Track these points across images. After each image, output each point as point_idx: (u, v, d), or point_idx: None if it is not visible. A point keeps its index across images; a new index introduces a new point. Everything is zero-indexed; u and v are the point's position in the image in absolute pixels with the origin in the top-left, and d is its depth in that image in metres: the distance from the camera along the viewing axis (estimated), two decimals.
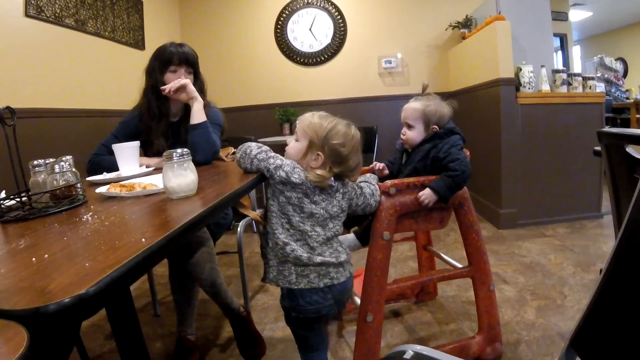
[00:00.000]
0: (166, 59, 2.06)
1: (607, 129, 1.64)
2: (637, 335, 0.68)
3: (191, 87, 2.04)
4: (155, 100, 2.07)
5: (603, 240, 3.40)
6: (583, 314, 0.80)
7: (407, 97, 2.03)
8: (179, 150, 1.22)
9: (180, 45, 2.10)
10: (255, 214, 2.48)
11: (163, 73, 2.07)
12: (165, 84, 2.02)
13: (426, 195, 1.74)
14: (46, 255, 0.75)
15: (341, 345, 2.13)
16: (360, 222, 1.87)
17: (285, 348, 2.12)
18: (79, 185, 1.28)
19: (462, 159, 1.75)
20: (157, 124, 2.10)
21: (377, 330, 1.76)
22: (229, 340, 2.22)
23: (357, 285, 1.84)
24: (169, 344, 2.23)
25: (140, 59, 3.87)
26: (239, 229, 2.39)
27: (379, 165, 2.03)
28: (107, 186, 1.37)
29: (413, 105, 1.92)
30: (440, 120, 1.87)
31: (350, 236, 1.85)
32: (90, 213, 1.10)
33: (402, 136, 1.95)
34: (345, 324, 2.32)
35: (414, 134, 1.89)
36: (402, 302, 2.53)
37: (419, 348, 0.97)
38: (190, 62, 2.12)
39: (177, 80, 2.01)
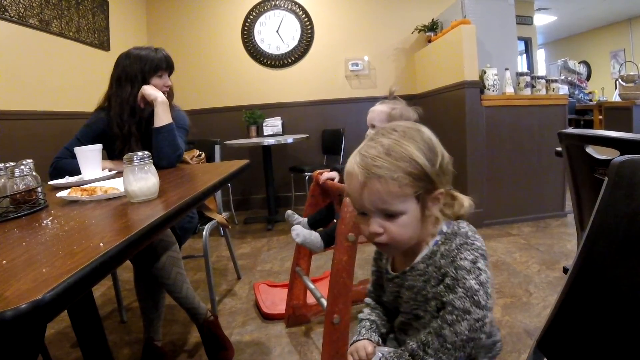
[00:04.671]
0: (156, 65, 2.06)
1: (568, 130, 1.68)
2: (602, 338, 0.70)
3: (148, 91, 2.04)
4: (138, 108, 2.06)
5: (567, 238, 3.49)
6: (549, 316, 0.81)
7: (373, 100, 2.06)
8: (139, 154, 1.21)
9: (160, 50, 2.11)
10: (221, 217, 2.48)
11: (149, 78, 2.06)
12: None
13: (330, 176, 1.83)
14: (4, 262, 0.75)
15: (309, 347, 2.14)
16: (326, 223, 1.89)
17: (254, 352, 2.12)
18: (39, 189, 1.26)
19: None
20: (139, 129, 2.08)
21: (345, 331, 1.77)
22: (197, 345, 2.20)
23: (324, 287, 1.85)
24: (136, 350, 2.20)
25: (105, 60, 3.83)
26: (204, 233, 2.38)
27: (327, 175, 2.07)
28: (68, 190, 1.35)
29: (380, 108, 1.95)
30: None
31: (315, 237, 1.86)
32: (51, 218, 1.09)
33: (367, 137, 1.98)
34: (313, 326, 2.33)
35: None
36: None
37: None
38: (172, 67, 2.15)
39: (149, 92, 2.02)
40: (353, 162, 0.91)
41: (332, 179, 2.05)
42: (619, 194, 0.71)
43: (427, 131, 0.96)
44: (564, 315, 0.78)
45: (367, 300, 1.13)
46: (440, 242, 0.92)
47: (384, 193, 0.86)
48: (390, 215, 0.89)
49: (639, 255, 0.64)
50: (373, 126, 1.95)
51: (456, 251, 0.89)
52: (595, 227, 0.74)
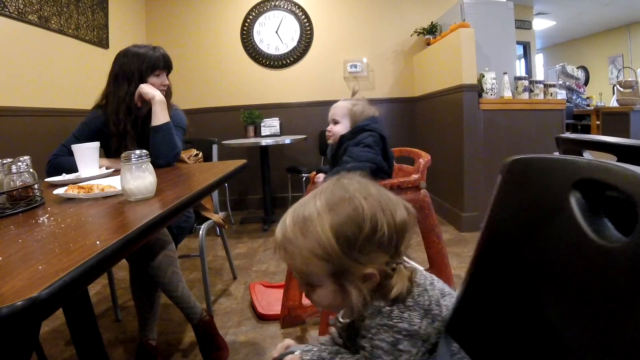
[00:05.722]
0: (153, 64, 2.06)
1: (565, 134, 1.68)
2: (499, 319, 0.75)
3: (145, 90, 2.03)
4: (135, 106, 2.05)
5: None
6: (455, 302, 0.85)
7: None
8: (137, 152, 1.21)
9: (158, 48, 2.11)
10: (218, 216, 2.48)
11: (147, 77, 2.05)
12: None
13: (320, 181, 1.86)
14: (0, 258, 0.75)
15: None
16: None
17: (249, 352, 2.12)
18: (36, 186, 1.26)
19: (354, 153, 1.86)
20: (135, 127, 2.08)
21: None
22: (192, 345, 2.20)
23: None
24: (130, 349, 2.19)
25: (103, 58, 3.81)
26: (201, 232, 2.37)
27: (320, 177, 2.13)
28: (65, 187, 1.35)
29: (342, 104, 2.04)
30: (365, 119, 1.99)
31: None
32: (47, 215, 1.09)
33: (327, 133, 2.09)
34: (308, 327, 2.33)
35: (339, 128, 2.02)
36: None
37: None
38: (170, 66, 2.15)
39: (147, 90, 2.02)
40: (282, 221, 0.86)
41: None
42: (510, 190, 0.78)
43: (367, 202, 0.83)
44: (468, 300, 0.82)
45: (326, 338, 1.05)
46: (368, 315, 0.85)
47: (295, 267, 0.84)
48: (308, 284, 0.86)
49: (527, 245, 0.70)
50: (335, 122, 2.04)
51: (375, 330, 0.83)
52: (490, 220, 0.79)
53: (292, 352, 0.97)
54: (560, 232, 0.63)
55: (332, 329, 1.03)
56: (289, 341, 1.02)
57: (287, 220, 0.84)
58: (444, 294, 0.87)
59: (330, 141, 2.08)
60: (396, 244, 0.85)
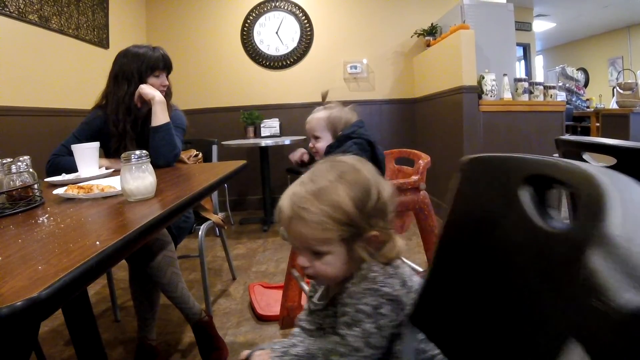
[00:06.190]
0: (152, 64, 2.06)
1: (565, 136, 1.68)
2: (458, 307, 0.81)
3: (145, 90, 2.03)
4: (135, 107, 2.05)
5: None
6: (418, 293, 0.92)
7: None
8: (137, 152, 1.21)
9: (158, 49, 2.10)
10: (217, 217, 2.48)
11: (146, 77, 2.05)
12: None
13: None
14: (0, 258, 0.75)
15: None
16: None
17: None
18: (36, 186, 1.26)
19: None
20: (134, 128, 2.08)
21: None
22: (191, 345, 2.20)
23: None
24: (129, 349, 2.19)
25: (104, 58, 3.81)
26: (200, 233, 2.37)
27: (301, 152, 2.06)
28: (65, 187, 1.35)
29: (317, 116, 1.90)
30: (346, 126, 1.87)
31: None
32: (47, 215, 1.09)
33: (311, 149, 1.98)
34: None
35: (322, 144, 1.90)
36: None
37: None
38: (170, 66, 2.14)
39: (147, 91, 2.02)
40: (284, 198, 0.94)
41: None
42: (467, 186, 0.86)
43: (366, 170, 0.96)
44: (429, 291, 0.90)
45: (295, 330, 1.12)
46: (353, 281, 0.94)
47: (308, 235, 0.91)
48: (316, 253, 0.93)
49: (485, 235, 0.77)
50: (315, 137, 1.92)
51: (361, 295, 0.92)
52: (450, 213, 0.87)
53: (262, 349, 1.00)
54: (513, 221, 0.69)
55: (299, 320, 1.12)
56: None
57: (296, 194, 0.92)
58: (412, 273, 0.98)
59: (317, 158, 1.95)
60: (389, 211, 0.97)
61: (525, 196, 0.68)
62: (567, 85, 7.83)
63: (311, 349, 0.95)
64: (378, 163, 1.97)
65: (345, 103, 1.92)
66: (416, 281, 0.97)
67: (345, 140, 1.80)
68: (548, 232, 0.61)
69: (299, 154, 2.08)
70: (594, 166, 0.58)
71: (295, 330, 1.11)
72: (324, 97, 1.99)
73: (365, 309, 0.90)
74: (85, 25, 3.70)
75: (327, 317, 1.03)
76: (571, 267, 0.49)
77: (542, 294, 0.57)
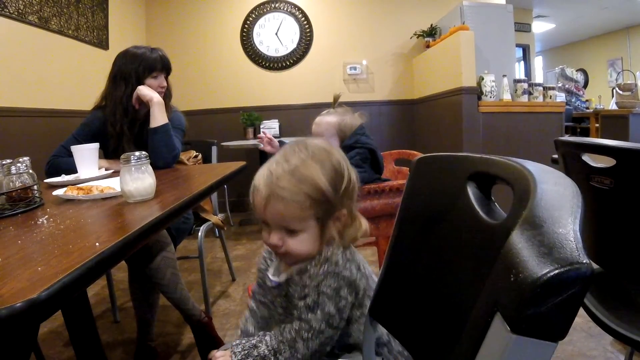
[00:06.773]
0: (150, 65, 2.05)
1: (564, 137, 1.67)
2: (412, 299, 0.87)
3: (143, 92, 2.03)
4: (132, 108, 2.05)
5: None
6: (375, 287, 0.98)
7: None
8: (137, 153, 1.21)
9: (157, 50, 2.10)
10: (217, 218, 2.48)
11: (144, 79, 2.05)
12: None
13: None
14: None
15: None
16: None
17: None
18: (35, 187, 1.26)
19: None
20: (131, 129, 2.08)
21: None
22: (190, 346, 2.20)
23: None
24: (129, 350, 2.19)
25: (103, 59, 3.82)
26: (200, 234, 2.37)
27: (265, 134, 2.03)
28: (65, 189, 1.35)
29: (328, 120, 1.84)
30: (351, 132, 1.84)
31: None
32: (46, 216, 1.08)
33: None
34: None
35: None
36: None
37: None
38: (169, 68, 2.14)
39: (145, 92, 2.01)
40: (259, 177, 0.95)
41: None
42: (417, 183, 0.92)
43: (337, 153, 0.99)
44: (384, 285, 0.96)
45: (251, 304, 1.15)
46: (314, 263, 0.96)
47: (285, 213, 0.92)
48: (290, 231, 0.95)
49: (429, 229, 0.83)
50: None
51: (322, 277, 0.94)
52: (402, 210, 0.94)
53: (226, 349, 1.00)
54: (459, 214, 0.75)
55: (254, 293, 1.15)
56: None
57: (273, 173, 0.93)
58: (364, 261, 1.04)
59: None
60: (356, 193, 1.00)
61: (469, 192, 0.74)
62: (567, 86, 7.82)
63: (274, 345, 0.95)
64: (378, 167, 1.96)
65: (347, 106, 1.90)
66: (368, 269, 1.03)
67: (348, 149, 1.79)
68: (489, 223, 0.66)
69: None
70: (529, 163, 0.65)
71: (247, 314, 1.14)
72: (335, 100, 1.96)
73: (327, 291, 0.93)
74: (84, 26, 3.70)
75: (278, 297, 1.06)
76: (500, 251, 0.54)
77: (480, 277, 0.60)
